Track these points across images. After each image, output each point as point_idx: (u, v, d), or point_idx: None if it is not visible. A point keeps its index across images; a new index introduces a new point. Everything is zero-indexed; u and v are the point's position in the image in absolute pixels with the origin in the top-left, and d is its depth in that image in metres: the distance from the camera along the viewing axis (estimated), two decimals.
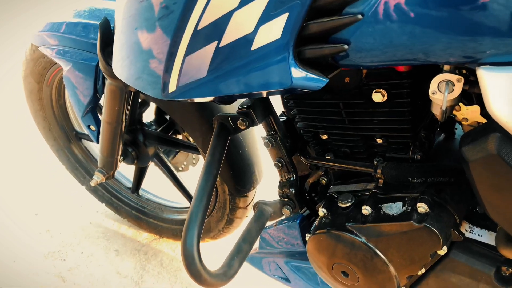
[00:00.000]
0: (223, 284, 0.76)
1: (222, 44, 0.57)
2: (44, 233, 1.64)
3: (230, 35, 0.56)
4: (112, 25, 0.91)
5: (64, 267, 1.50)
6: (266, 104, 0.83)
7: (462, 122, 0.66)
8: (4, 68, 3.03)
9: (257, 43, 0.55)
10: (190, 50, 0.60)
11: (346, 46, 0.52)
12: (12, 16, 4.19)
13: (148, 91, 0.72)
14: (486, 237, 0.69)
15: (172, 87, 0.67)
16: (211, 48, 0.58)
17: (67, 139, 1.59)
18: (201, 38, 0.57)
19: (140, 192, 1.62)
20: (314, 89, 0.58)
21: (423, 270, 0.73)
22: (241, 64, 0.58)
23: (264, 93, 0.61)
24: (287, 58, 0.54)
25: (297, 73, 0.55)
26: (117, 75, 0.79)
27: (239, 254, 0.81)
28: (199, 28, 0.56)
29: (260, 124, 0.86)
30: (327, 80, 0.57)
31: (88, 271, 1.50)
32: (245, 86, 0.60)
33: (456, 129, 0.81)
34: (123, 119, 1.11)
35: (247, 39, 0.55)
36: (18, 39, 3.64)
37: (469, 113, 0.64)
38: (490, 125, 0.53)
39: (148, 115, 1.39)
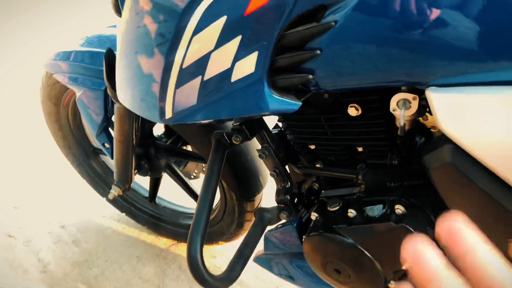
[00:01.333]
0: (227, 287, 0.84)
1: (205, 78, 0.65)
2: (70, 243, 1.76)
3: (212, 71, 0.64)
4: (116, 52, 0.99)
5: (91, 274, 1.61)
6: (258, 120, 0.91)
7: (431, 130, 0.73)
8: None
9: (235, 76, 0.63)
10: (179, 84, 0.68)
11: (311, 76, 0.59)
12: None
13: (148, 116, 0.80)
14: None
15: (168, 114, 0.75)
16: (197, 81, 0.66)
17: (85, 155, 1.70)
18: (187, 74, 0.65)
19: (157, 200, 1.72)
20: (290, 112, 0.65)
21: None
22: (225, 94, 0.66)
23: (248, 117, 0.69)
24: (262, 88, 0.62)
25: (273, 99, 0.63)
26: (120, 101, 0.88)
27: (241, 258, 0.89)
28: (183, 67, 0.64)
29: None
30: (300, 104, 0.65)
31: (113, 277, 1.61)
32: (230, 111, 0.68)
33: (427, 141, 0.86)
34: (134, 136, 1.20)
35: (227, 74, 0.63)
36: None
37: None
38: (445, 136, 0.59)
39: (159, 129, 1.48)
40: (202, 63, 0.63)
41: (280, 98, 0.63)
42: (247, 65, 0.60)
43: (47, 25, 4.20)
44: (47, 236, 1.79)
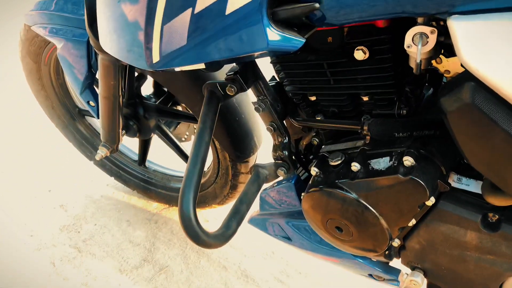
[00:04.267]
0: (222, 245, 0.79)
1: (196, 10, 0.58)
2: (58, 208, 1.70)
3: (204, 1, 0.56)
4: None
5: (79, 238, 1.57)
6: (253, 69, 0.84)
7: (445, 75, 0.67)
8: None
9: (230, 7, 0.55)
10: (166, 18, 0.61)
11: (317, 5, 0.52)
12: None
13: (135, 63, 0.73)
14: (474, 186, 0.70)
15: (155, 58, 0.68)
16: (186, 15, 0.59)
17: (70, 117, 1.62)
18: (175, 5, 0.58)
19: (147, 164, 1.66)
20: (292, 50, 0.58)
21: (414, 222, 0.75)
22: (218, 29, 0.59)
23: (245, 57, 0.62)
24: (261, 20, 0.55)
25: (273, 34, 0.56)
26: (105, 49, 0.80)
27: (237, 215, 0.84)
28: None
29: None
30: (304, 41, 0.58)
31: (102, 241, 1.56)
32: (225, 51, 0.61)
33: (445, 82, 0.80)
34: (120, 93, 1.12)
35: (221, 4, 0.56)
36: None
37: (450, 65, 0.64)
38: (465, 75, 0.53)
39: (147, 88, 1.40)
40: None
41: (281, 33, 0.56)
42: None
43: None
44: (34, 200, 1.72)
